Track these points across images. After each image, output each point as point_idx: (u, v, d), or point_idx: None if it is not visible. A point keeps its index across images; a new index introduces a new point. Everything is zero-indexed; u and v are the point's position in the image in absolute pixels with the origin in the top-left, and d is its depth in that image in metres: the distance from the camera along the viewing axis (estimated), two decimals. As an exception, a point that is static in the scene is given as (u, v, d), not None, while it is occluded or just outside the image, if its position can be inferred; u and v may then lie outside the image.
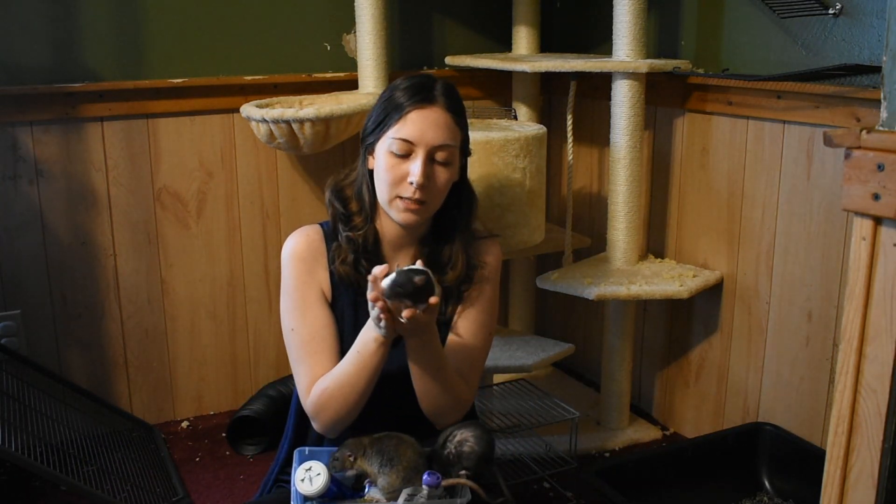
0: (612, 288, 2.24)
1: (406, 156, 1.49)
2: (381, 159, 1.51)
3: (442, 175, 1.51)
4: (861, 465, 1.21)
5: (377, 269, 1.36)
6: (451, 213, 1.58)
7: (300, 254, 1.58)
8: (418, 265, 1.37)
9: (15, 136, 2.31)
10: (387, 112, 1.51)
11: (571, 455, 2.35)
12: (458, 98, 1.56)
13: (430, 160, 1.49)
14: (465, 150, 1.59)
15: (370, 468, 1.42)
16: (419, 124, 1.48)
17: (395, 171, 1.49)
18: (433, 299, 1.35)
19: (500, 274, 1.68)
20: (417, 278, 1.33)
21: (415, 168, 1.48)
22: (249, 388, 2.71)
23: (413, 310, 1.34)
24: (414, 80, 1.53)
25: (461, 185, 1.60)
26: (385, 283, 1.34)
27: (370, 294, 1.37)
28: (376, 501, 1.43)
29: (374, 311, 1.38)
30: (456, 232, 1.59)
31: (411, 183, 1.48)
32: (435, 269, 1.58)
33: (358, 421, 1.52)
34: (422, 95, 1.50)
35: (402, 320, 1.35)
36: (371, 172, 1.56)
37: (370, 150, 1.55)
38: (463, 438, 1.45)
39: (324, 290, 1.57)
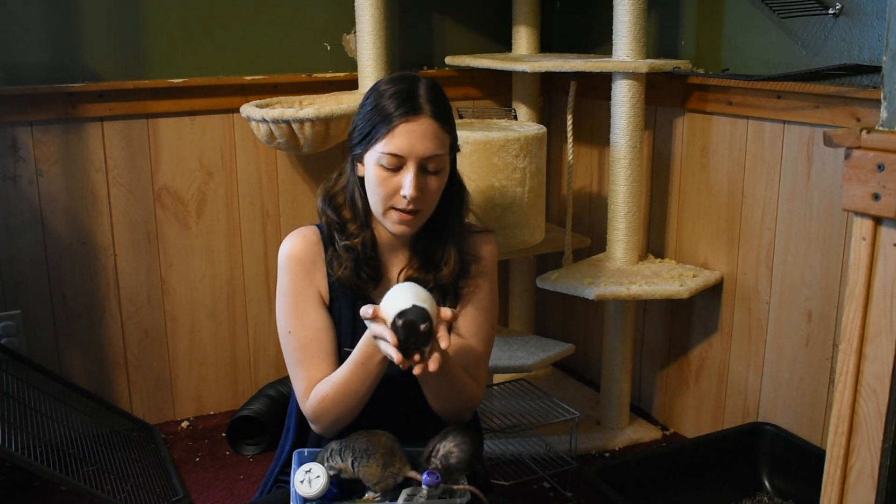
0: (612, 288, 2.24)
1: (397, 169, 1.47)
2: (372, 171, 1.50)
3: (434, 183, 1.50)
4: (861, 465, 1.21)
5: (365, 311, 1.36)
6: (443, 210, 1.57)
7: (297, 256, 1.57)
8: (407, 294, 1.37)
9: (15, 136, 2.31)
10: (373, 124, 1.49)
11: (571, 455, 2.35)
12: (443, 100, 1.53)
13: (421, 171, 1.48)
14: (454, 148, 1.57)
15: (343, 465, 1.42)
16: (408, 137, 1.46)
17: (386, 185, 1.48)
18: (433, 365, 1.35)
19: (496, 268, 1.67)
20: (423, 326, 1.33)
21: (407, 181, 1.46)
22: (249, 388, 2.71)
23: (423, 365, 1.34)
24: (399, 85, 1.50)
25: (451, 181, 1.58)
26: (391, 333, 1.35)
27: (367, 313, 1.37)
28: (375, 501, 1.43)
29: (376, 327, 1.38)
30: (448, 228, 1.59)
31: (404, 196, 1.47)
32: (429, 267, 1.58)
33: (357, 421, 1.52)
34: (408, 106, 1.47)
35: (416, 372, 1.36)
36: (361, 179, 1.55)
37: (359, 159, 1.54)
38: (447, 452, 1.44)
39: (321, 293, 1.57)
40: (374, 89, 1.53)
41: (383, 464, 1.41)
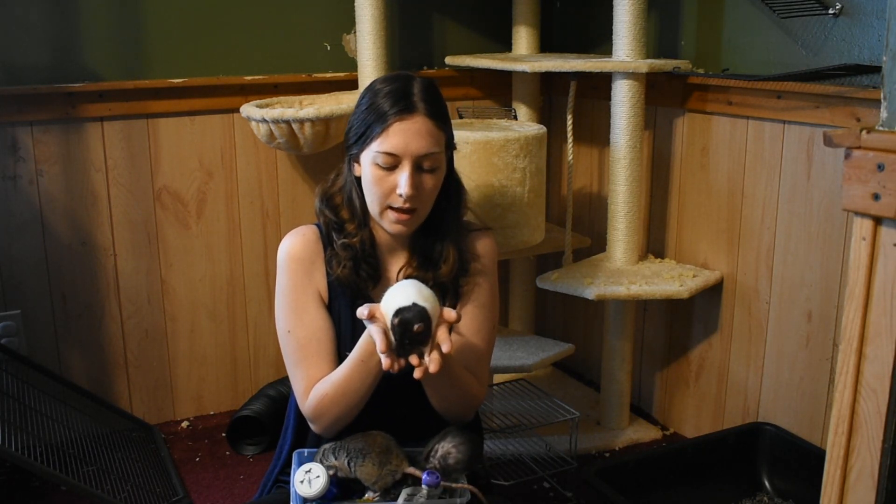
0: (612, 288, 2.24)
1: (392, 168, 1.48)
2: (368, 171, 1.50)
3: (430, 181, 1.51)
4: (861, 465, 1.21)
5: (360, 312, 1.36)
6: (440, 208, 1.58)
7: (297, 255, 1.57)
8: (408, 291, 1.37)
9: (15, 136, 2.31)
10: (368, 123, 1.49)
11: (571, 455, 2.35)
12: (438, 99, 1.53)
13: (416, 169, 1.48)
14: (450, 146, 1.58)
15: (339, 463, 1.43)
16: (402, 136, 1.47)
17: (382, 184, 1.49)
18: (432, 366, 1.34)
19: (496, 265, 1.67)
20: (416, 326, 1.32)
21: (402, 180, 1.47)
22: (249, 387, 2.71)
23: (423, 367, 1.34)
24: (393, 84, 1.51)
25: (448, 179, 1.58)
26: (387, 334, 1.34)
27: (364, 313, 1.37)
28: (375, 501, 1.43)
29: (371, 327, 1.38)
30: (446, 226, 1.59)
31: (400, 195, 1.47)
32: (427, 266, 1.58)
33: (357, 420, 1.52)
34: (402, 104, 1.47)
35: (417, 374, 1.35)
36: (358, 179, 1.55)
37: (355, 158, 1.54)
38: (445, 452, 1.44)
39: (321, 292, 1.57)
40: (370, 89, 1.54)
41: (380, 462, 1.41)
